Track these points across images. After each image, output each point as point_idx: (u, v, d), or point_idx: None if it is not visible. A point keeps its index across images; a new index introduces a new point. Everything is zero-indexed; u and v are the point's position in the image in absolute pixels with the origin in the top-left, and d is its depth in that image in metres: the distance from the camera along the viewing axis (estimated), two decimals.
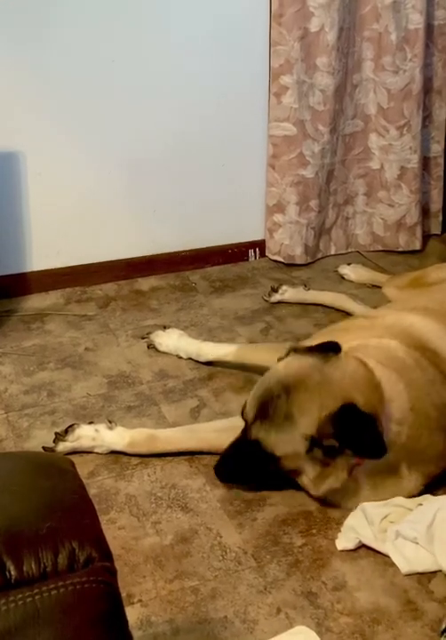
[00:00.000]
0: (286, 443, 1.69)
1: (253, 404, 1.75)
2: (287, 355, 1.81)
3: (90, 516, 0.80)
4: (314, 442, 1.67)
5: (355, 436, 1.64)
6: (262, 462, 1.76)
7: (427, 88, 3.21)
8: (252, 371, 2.34)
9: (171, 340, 2.49)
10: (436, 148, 3.35)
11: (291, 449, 1.70)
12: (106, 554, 0.75)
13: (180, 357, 2.47)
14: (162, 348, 2.50)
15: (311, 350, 1.77)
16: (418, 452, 1.78)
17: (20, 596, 0.66)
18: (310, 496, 1.82)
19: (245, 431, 1.79)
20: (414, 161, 3.19)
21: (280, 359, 1.81)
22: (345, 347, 1.80)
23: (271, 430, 1.70)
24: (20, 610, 0.64)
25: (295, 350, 1.79)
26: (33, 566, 0.70)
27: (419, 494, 1.80)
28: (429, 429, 1.79)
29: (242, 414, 1.79)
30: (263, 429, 1.71)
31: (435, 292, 2.31)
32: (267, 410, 1.71)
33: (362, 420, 1.64)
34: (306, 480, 1.78)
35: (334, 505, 1.82)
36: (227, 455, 1.85)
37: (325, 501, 1.81)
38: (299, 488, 1.85)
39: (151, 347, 2.53)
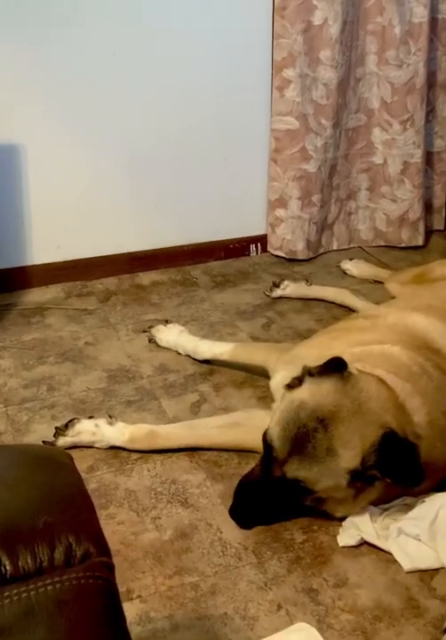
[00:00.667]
0: (329, 477, 1.62)
1: (286, 441, 1.63)
2: (300, 380, 1.70)
3: (87, 511, 0.79)
4: (356, 474, 1.60)
5: (397, 465, 1.59)
6: (296, 499, 1.68)
7: (431, 82, 3.19)
8: (248, 370, 2.33)
9: (172, 336, 2.48)
10: (440, 143, 3.33)
11: (333, 483, 1.62)
12: (103, 549, 0.74)
13: (180, 353, 2.45)
14: (162, 344, 2.49)
15: (324, 372, 1.67)
16: (430, 463, 1.72)
17: (16, 591, 0.64)
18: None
19: (268, 468, 1.68)
20: (417, 156, 3.17)
21: (291, 386, 1.71)
22: (347, 353, 1.76)
23: (313, 466, 1.60)
24: (15, 606, 0.63)
25: (309, 374, 1.69)
26: (29, 561, 0.68)
27: None
28: (442, 441, 1.76)
29: (271, 452, 1.67)
30: (303, 467, 1.61)
31: (439, 288, 2.29)
32: (305, 446, 1.60)
33: (402, 448, 1.60)
34: (337, 507, 1.72)
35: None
36: (248, 497, 1.73)
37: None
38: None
39: (152, 341, 2.51)
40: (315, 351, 1.87)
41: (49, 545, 0.70)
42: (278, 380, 1.96)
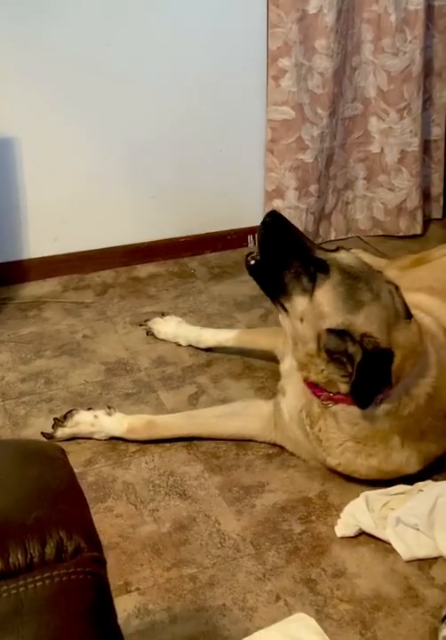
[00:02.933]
0: (302, 303, 1.68)
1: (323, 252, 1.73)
2: None
3: (79, 505, 0.78)
4: (332, 332, 1.63)
5: (365, 369, 1.60)
6: (284, 278, 1.74)
7: (427, 70, 3.17)
8: (253, 356, 2.33)
9: (170, 328, 2.48)
10: (437, 132, 3.32)
11: (302, 308, 1.68)
12: (95, 544, 0.73)
13: (179, 345, 2.45)
14: (160, 336, 2.49)
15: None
16: (417, 432, 1.75)
17: (5, 587, 0.64)
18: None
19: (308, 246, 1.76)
20: (414, 144, 3.15)
21: None
22: None
23: (308, 283, 1.67)
24: (4, 602, 0.62)
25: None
26: (19, 557, 0.68)
27: (419, 476, 1.78)
28: (434, 416, 1.76)
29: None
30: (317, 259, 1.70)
31: (438, 269, 2.27)
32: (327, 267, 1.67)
33: (381, 368, 1.61)
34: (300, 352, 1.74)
35: (319, 456, 1.83)
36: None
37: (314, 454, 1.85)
38: (299, 473, 1.85)
39: (149, 334, 2.51)
40: None
41: (40, 540, 0.70)
42: (289, 364, 1.95)
